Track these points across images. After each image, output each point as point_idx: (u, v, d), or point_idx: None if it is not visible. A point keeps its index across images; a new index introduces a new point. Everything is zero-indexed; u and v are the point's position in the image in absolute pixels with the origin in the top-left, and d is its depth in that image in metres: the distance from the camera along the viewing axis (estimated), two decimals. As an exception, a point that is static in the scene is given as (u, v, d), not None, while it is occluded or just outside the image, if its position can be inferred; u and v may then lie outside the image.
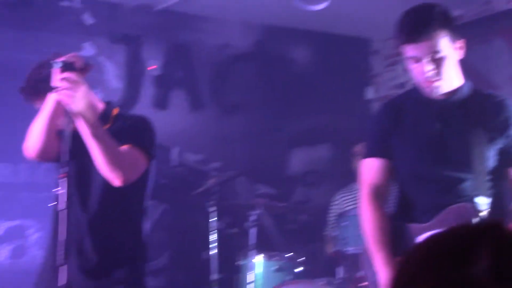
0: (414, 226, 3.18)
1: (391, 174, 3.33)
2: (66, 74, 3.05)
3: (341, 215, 5.36)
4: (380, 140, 3.34)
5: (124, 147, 3.27)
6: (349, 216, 5.17)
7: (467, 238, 1.06)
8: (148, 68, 6.45)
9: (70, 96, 3.02)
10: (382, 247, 3.16)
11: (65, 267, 2.92)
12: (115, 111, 3.54)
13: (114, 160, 3.16)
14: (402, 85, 7.08)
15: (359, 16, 6.72)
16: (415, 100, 3.26)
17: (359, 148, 6.03)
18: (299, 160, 7.03)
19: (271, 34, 7.01)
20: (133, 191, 3.40)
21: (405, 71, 6.84)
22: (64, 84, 3.03)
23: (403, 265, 1.11)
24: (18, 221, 5.76)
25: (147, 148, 3.37)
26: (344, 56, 7.27)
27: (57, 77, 3.07)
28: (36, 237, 5.78)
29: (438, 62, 3.05)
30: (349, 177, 6.18)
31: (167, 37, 6.58)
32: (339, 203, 6.08)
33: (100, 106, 3.48)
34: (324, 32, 7.16)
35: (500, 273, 1.00)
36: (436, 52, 3.04)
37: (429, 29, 3.02)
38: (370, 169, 3.32)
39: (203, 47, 6.72)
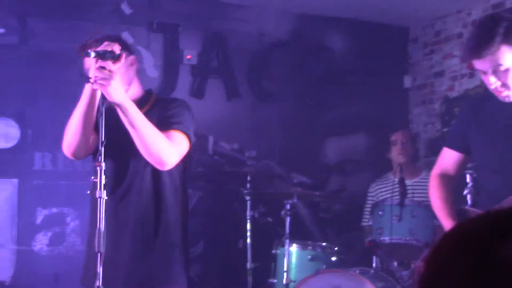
0: (475, 211, 3.39)
1: (462, 166, 3.82)
2: (101, 64, 3.07)
3: (376, 205, 5.36)
4: (457, 135, 3.77)
5: (165, 131, 3.29)
6: (384, 206, 5.16)
7: (499, 221, 1.08)
8: (187, 57, 6.51)
9: (107, 86, 3.04)
10: (449, 213, 3.59)
11: (99, 255, 2.95)
12: (154, 96, 3.60)
13: (157, 145, 3.20)
14: (440, 73, 7.05)
15: (397, 3, 6.69)
16: (491, 100, 3.48)
17: (396, 136, 6.03)
18: (335, 149, 7.01)
19: (308, 23, 6.99)
20: (174, 175, 3.44)
21: (444, 59, 6.90)
22: (100, 74, 3.06)
23: (438, 246, 1.12)
24: (56, 209, 5.86)
25: (187, 130, 3.39)
26: (381, 45, 7.23)
27: (93, 67, 3.10)
28: (74, 225, 5.88)
29: (503, 74, 3.26)
30: (385, 166, 6.19)
31: (204, 26, 6.61)
32: (375, 194, 6.09)
33: (140, 91, 3.55)
34: (361, 20, 7.12)
35: None
36: (500, 65, 3.23)
37: (491, 45, 3.21)
38: (444, 157, 3.81)
39: (240, 36, 6.73)
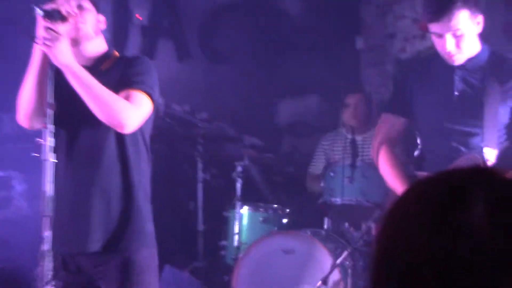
0: (423, 175, 3.42)
1: (405, 130, 3.83)
2: (48, 24, 2.98)
3: (328, 166, 5.37)
4: (401, 99, 3.78)
5: (126, 91, 3.17)
6: (336, 167, 5.18)
7: (461, 182, 1.07)
8: (137, 17, 6.42)
9: (52, 48, 2.96)
10: (402, 180, 3.62)
11: (48, 219, 2.90)
12: (116, 54, 3.46)
13: (112, 106, 3.08)
14: (393, 35, 7.05)
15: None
16: (438, 62, 3.58)
17: (350, 99, 5.97)
18: (287, 111, 7.01)
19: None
20: (138, 137, 3.32)
21: (396, 20, 6.90)
22: (46, 34, 2.97)
23: (394, 209, 1.11)
24: (2, 172, 5.77)
25: (150, 90, 3.25)
26: (333, 5, 7.19)
27: (40, 26, 3.00)
28: (21, 189, 5.80)
29: (458, 38, 3.39)
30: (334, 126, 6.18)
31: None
32: (328, 144, 6.01)
33: (104, 48, 3.41)
34: (314, -20, 7.10)
35: (493, 219, 1.00)
36: (457, 30, 3.36)
37: (450, 9, 3.33)
38: (388, 123, 3.82)
39: (192, -4, 6.68)
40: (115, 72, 3.28)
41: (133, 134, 3.26)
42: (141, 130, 3.29)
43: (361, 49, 7.35)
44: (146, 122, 3.30)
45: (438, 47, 3.48)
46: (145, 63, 3.37)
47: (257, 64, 6.88)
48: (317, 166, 5.93)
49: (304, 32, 7.04)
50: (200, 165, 5.65)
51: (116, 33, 6.33)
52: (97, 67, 3.30)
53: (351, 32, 7.33)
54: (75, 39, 3.18)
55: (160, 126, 6.32)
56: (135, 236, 3.30)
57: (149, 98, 3.23)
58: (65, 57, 3.01)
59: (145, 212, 3.39)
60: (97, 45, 3.36)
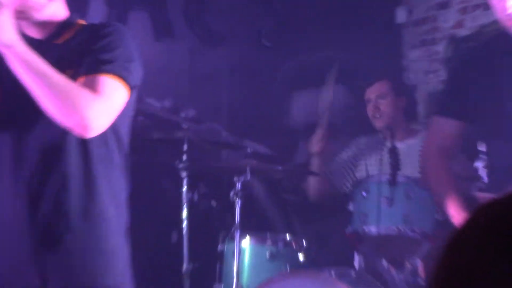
0: (487, 197, 3.33)
1: (461, 136, 3.98)
2: None
3: (360, 183, 5.31)
4: (457, 96, 3.87)
5: (90, 76, 3.09)
6: (370, 184, 5.14)
7: None
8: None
9: None
10: (458, 201, 3.81)
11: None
12: (81, 21, 3.41)
13: (68, 102, 3.00)
14: (443, 4, 7.02)
15: None
16: (499, 49, 3.68)
17: (369, 92, 5.89)
18: (302, 107, 6.99)
19: None
20: (110, 142, 3.27)
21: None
22: None
23: (459, 235, 1.15)
24: None
25: (124, 71, 3.18)
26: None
27: None
28: None
29: None
30: (369, 130, 6.11)
31: None
32: (359, 150, 5.99)
33: (64, 13, 3.36)
34: None
35: None
36: None
37: None
38: (439, 128, 4.00)
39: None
40: (75, 45, 3.25)
41: (103, 138, 3.21)
42: (114, 126, 3.21)
43: (404, 24, 7.33)
44: (122, 114, 3.22)
45: (498, 10, 3.49)
46: (116, 33, 3.29)
47: (263, 45, 6.82)
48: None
49: (326, 2, 6.99)
50: (185, 181, 5.57)
51: (76, 1, 6.27)
52: (52, 40, 3.28)
53: (390, 1, 7.31)
54: (21, 10, 3.14)
55: (132, 126, 6.26)
56: (99, 276, 3.27)
57: (124, 83, 3.16)
58: (6, 34, 2.96)
59: (116, 244, 3.37)
60: (52, 12, 3.31)
